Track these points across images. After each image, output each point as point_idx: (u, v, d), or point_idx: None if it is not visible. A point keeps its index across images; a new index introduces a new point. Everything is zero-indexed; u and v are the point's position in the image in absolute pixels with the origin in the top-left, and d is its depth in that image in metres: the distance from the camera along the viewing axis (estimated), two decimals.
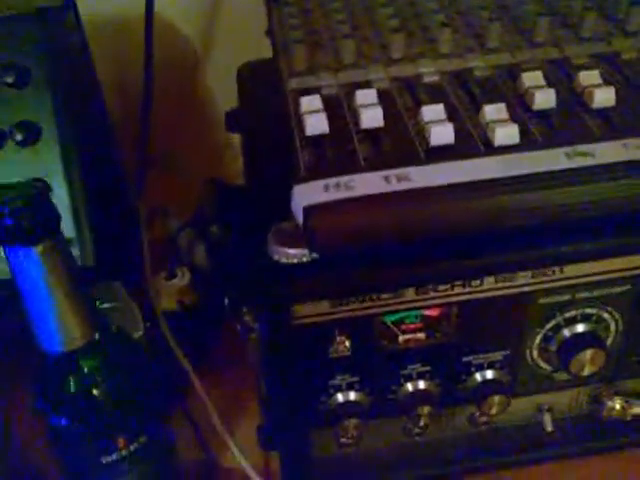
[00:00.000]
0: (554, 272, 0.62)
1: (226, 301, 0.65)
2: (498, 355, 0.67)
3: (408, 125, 0.57)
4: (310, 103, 0.55)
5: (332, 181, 0.51)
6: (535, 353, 0.68)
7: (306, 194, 0.51)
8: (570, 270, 0.62)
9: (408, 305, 0.62)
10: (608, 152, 0.51)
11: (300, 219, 0.51)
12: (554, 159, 0.51)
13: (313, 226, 0.51)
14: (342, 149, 0.55)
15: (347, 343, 0.64)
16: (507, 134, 0.52)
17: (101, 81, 0.92)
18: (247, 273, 0.60)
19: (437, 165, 0.52)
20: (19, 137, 0.76)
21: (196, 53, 1.06)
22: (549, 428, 0.71)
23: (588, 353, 0.64)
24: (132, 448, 0.61)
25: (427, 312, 0.64)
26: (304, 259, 0.56)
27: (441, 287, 0.61)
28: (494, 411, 0.68)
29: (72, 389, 0.57)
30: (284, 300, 0.57)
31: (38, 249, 0.49)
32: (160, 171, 0.98)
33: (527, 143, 0.53)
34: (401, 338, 0.65)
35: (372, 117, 0.55)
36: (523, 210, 0.51)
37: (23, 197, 0.48)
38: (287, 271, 0.56)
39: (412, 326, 0.65)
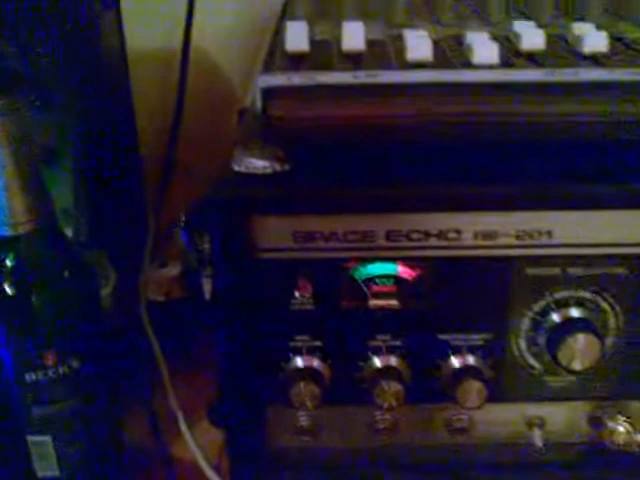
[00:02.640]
0: (541, 235, 0.56)
1: (182, 219, 0.62)
2: (479, 339, 0.60)
3: (389, 50, 0.55)
4: (294, 25, 0.56)
5: (297, 73, 0.50)
6: (522, 344, 0.60)
7: (268, 79, 0.49)
8: (560, 234, 0.56)
9: (377, 253, 0.57)
10: (589, 74, 0.49)
11: (259, 105, 0.49)
12: (533, 73, 0.49)
13: (270, 108, 0.49)
14: (318, 64, 0.54)
15: (310, 291, 0.59)
16: (486, 52, 0.50)
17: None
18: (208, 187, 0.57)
19: (410, 71, 0.50)
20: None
21: (230, 81, 1.11)
22: (539, 443, 0.62)
23: (580, 339, 0.57)
24: (61, 371, 0.57)
25: (400, 272, 0.59)
26: (267, 171, 0.53)
27: (414, 235, 0.57)
28: (470, 402, 0.59)
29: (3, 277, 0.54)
30: (242, 211, 0.53)
31: None
32: (180, 179, 0.99)
33: (508, 65, 0.51)
34: (371, 302, 0.60)
35: (353, 40, 0.54)
36: (497, 114, 0.48)
37: None
38: (248, 181, 0.54)
39: (384, 288, 0.60)
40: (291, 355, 0.61)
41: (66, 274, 0.56)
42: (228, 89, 1.09)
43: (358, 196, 0.54)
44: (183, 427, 0.73)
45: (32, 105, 0.70)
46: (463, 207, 0.55)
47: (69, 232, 0.78)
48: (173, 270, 0.85)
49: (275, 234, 0.57)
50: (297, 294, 0.58)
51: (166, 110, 1.02)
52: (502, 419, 0.64)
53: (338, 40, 0.61)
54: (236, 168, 0.54)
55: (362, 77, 0.49)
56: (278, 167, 0.53)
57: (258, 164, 0.53)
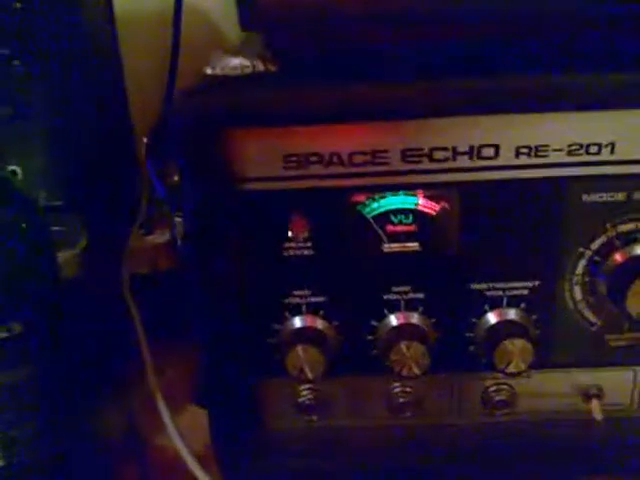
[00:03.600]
0: (600, 148, 0.44)
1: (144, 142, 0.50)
2: (522, 288, 0.48)
3: None
4: None
5: None
6: (577, 292, 0.48)
7: None
8: (624, 148, 0.44)
9: (392, 179, 0.45)
10: None
11: None
12: None
13: None
14: None
15: (307, 232, 0.47)
16: None
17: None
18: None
19: None
20: None
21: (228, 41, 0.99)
22: (599, 417, 0.50)
23: None
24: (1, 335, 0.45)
25: (421, 205, 0.47)
26: (247, 71, 0.41)
27: (439, 154, 0.44)
28: (512, 368, 0.47)
29: None
30: (216, 125, 0.41)
31: None
32: None
33: None
34: (386, 245, 0.48)
35: None
36: None
37: None
38: (223, 86, 0.42)
39: (401, 227, 0.48)
40: (286, 314, 0.49)
41: (10, 234, 0.45)
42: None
43: (365, 98, 0.42)
44: (164, 412, 0.61)
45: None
46: (498, 107, 0.42)
47: (41, 194, 0.67)
48: (160, 238, 0.73)
49: (261, 158, 0.45)
50: (291, 235, 0.47)
51: (159, 73, 0.91)
52: (552, 389, 0.51)
53: None
54: (209, 71, 0.42)
55: None
56: (261, 67, 0.41)
57: (235, 62, 0.41)
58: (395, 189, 0.46)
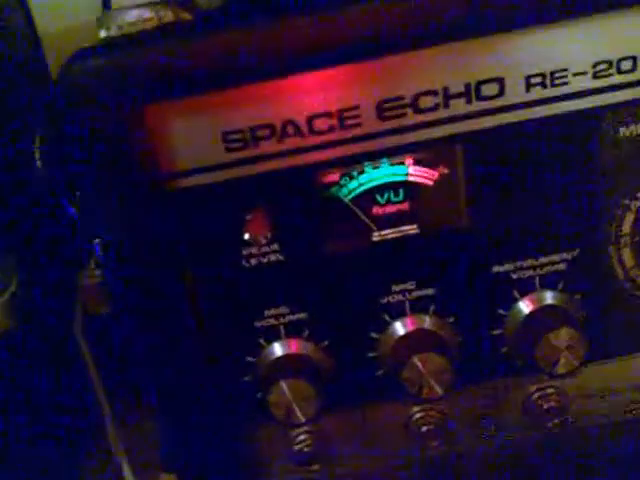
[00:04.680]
0: (634, 63, 0.34)
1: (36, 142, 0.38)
2: (558, 261, 0.37)
3: None
4: None
5: None
6: (627, 257, 0.37)
7: None
8: None
9: (369, 146, 0.34)
10: None
11: None
12: None
13: None
14: None
15: (269, 231, 0.36)
16: None
17: None
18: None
19: None
20: None
21: None
22: None
23: None
24: None
25: (413, 173, 0.36)
26: (149, 25, 0.30)
27: (427, 101, 0.34)
28: (564, 366, 0.36)
29: None
30: (119, 102, 0.30)
31: None
32: None
33: None
34: (375, 235, 0.37)
35: None
36: None
37: None
38: (123, 48, 0.31)
39: (391, 209, 0.37)
40: (261, 342, 0.38)
41: None
42: None
43: (318, 34, 0.31)
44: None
45: None
46: (496, 23, 0.31)
47: None
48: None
49: (191, 142, 0.34)
50: (249, 238, 0.36)
51: None
52: (611, 385, 0.41)
53: None
54: (102, 34, 0.31)
55: None
56: (171, 16, 0.30)
57: (133, 15, 0.30)
58: (375, 158, 0.35)
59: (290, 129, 0.34)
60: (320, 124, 0.34)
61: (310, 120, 0.34)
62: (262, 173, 0.34)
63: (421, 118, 0.34)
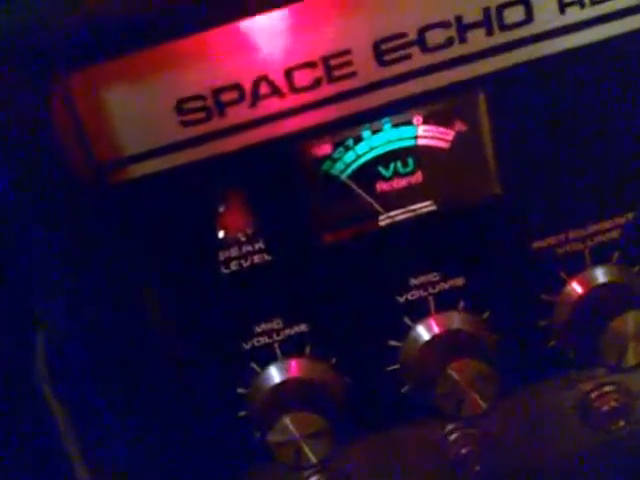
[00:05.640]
0: None
1: None
2: (611, 228, 0.30)
3: None
4: None
5: None
6: None
7: None
8: None
9: (364, 101, 0.27)
10: None
11: None
12: None
13: None
14: None
15: (251, 227, 0.28)
16: None
17: None
18: None
19: None
20: None
21: None
22: None
23: None
24: None
25: (424, 137, 0.28)
26: None
27: (435, 37, 0.26)
28: (634, 356, 0.29)
29: None
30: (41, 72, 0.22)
31: None
32: None
33: None
34: (383, 218, 0.30)
35: None
36: None
37: None
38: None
39: (399, 183, 0.29)
40: (253, 367, 0.30)
41: None
42: None
43: None
44: None
45: None
46: None
47: None
48: None
49: (134, 116, 0.26)
50: (223, 236, 0.28)
51: None
52: None
53: None
54: None
55: None
56: None
57: None
58: (375, 118, 0.28)
59: (264, 88, 0.26)
60: (302, 78, 0.26)
61: (289, 74, 0.26)
62: (233, 151, 0.27)
63: (430, 59, 0.27)
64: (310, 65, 0.26)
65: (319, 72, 0.26)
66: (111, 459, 0.33)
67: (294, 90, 0.26)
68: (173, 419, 0.31)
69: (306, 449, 0.29)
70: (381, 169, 0.29)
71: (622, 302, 0.29)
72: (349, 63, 0.26)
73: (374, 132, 0.29)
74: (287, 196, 0.28)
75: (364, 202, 0.29)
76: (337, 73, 0.26)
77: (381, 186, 0.30)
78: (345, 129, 0.28)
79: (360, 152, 0.29)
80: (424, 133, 0.29)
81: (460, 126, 0.29)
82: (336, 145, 0.28)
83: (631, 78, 0.28)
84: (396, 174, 0.29)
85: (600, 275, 0.31)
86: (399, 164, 0.29)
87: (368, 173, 0.29)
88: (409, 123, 0.28)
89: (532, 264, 0.30)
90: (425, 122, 0.29)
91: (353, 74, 0.26)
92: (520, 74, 0.27)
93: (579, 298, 0.30)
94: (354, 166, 0.29)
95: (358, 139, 0.28)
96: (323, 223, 0.29)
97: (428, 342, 0.30)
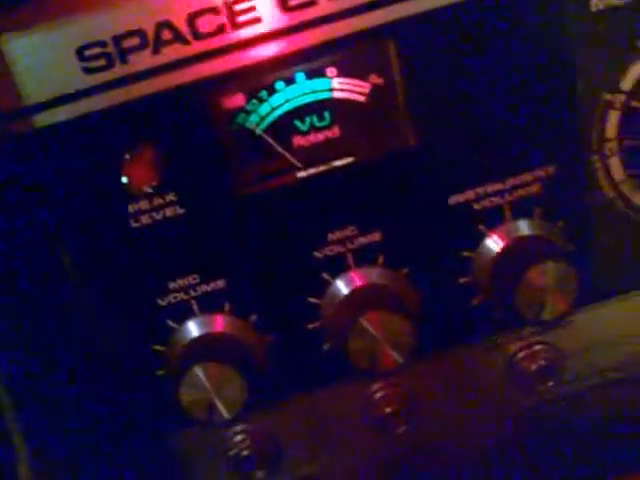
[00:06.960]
0: None
1: None
2: (531, 181, 0.30)
3: None
4: None
5: None
6: (615, 167, 0.30)
7: None
8: None
9: (274, 49, 0.26)
10: None
11: None
12: None
13: None
14: None
15: (158, 179, 0.28)
16: None
17: None
18: None
19: None
20: None
21: None
22: None
23: None
24: None
25: (340, 90, 0.28)
26: None
27: None
28: (551, 311, 0.29)
29: None
30: None
31: None
32: None
33: None
34: (301, 173, 0.29)
35: None
36: None
37: None
38: None
39: (316, 137, 0.29)
40: (169, 324, 0.30)
41: None
42: None
43: None
44: None
45: None
46: None
47: None
48: None
49: (34, 64, 0.25)
50: (131, 189, 0.27)
51: None
52: (610, 334, 0.34)
53: None
54: None
55: None
56: None
57: None
58: (287, 67, 0.27)
59: (167, 34, 0.26)
60: (205, 24, 0.26)
61: (191, 19, 0.26)
62: (139, 99, 0.26)
63: (336, 6, 0.26)
64: (213, 10, 0.26)
65: (222, 18, 0.26)
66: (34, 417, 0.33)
67: (198, 36, 0.26)
68: (93, 379, 0.31)
69: (219, 404, 0.29)
70: (297, 123, 0.29)
71: (541, 254, 0.29)
72: (252, 9, 0.26)
73: (288, 83, 0.28)
74: (199, 148, 0.28)
75: (280, 156, 0.29)
76: (241, 19, 0.26)
77: (297, 140, 0.29)
78: (254, 78, 0.27)
79: (275, 104, 0.29)
80: (339, 86, 0.29)
81: (375, 79, 0.29)
82: (249, 96, 0.28)
83: (540, 24, 0.27)
84: (312, 128, 0.29)
85: (519, 228, 0.30)
86: (315, 118, 0.29)
87: (284, 127, 0.29)
88: (323, 75, 0.28)
89: (451, 219, 0.30)
90: (340, 74, 0.28)
91: (257, 20, 0.26)
92: (428, 21, 0.27)
93: (498, 253, 0.30)
94: (269, 119, 0.29)
95: (272, 91, 0.28)
96: (238, 176, 0.29)
97: (346, 296, 0.30)
